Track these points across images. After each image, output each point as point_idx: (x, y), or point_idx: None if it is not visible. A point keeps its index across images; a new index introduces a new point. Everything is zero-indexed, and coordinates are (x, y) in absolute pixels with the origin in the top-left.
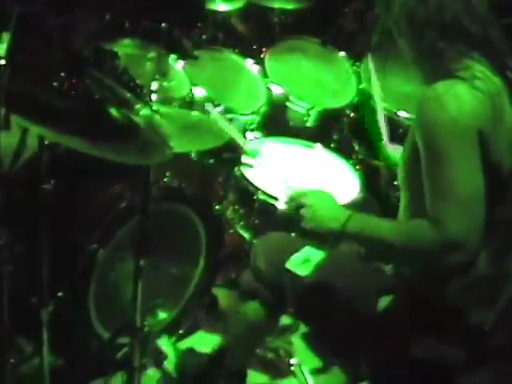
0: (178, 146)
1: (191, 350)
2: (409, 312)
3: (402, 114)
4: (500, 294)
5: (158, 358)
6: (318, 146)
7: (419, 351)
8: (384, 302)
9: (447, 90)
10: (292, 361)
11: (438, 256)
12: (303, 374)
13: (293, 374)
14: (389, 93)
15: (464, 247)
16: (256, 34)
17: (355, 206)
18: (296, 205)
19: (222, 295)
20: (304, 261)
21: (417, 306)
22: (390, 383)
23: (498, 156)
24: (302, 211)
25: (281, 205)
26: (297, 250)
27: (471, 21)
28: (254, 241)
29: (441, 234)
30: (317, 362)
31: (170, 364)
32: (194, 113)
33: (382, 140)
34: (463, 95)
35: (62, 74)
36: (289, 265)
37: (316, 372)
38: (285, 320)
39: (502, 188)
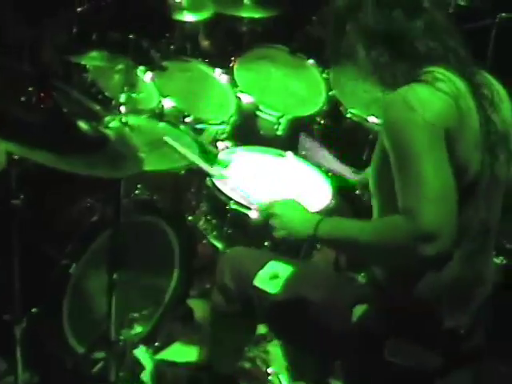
0: (146, 163)
1: (168, 363)
2: (384, 319)
3: (372, 119)
4: (474, 297)
5: (135, 371)
6: (290, 154)
7: (396, 357)
8: (359, 311)
9: (411, 91)
10: (269, 370)
11: (411, 248)
12: (280, 383)
13: (270, 383)
14: (358, 98)
15: (436, 238)
16: (222, 47)
17: (328, 213)
18: (266, 215)
19: (197, 306)
20: (272, 277)
21: (391, 312)
22: None
23: (464, 157)
24: (272, 221)
25: (253, 214)
26: (263, 266)
27: (430, 37)
28: (228, 250)
29: (413, 225)
30: (294, 371)
31: (147, 377)
32: (162, 125)
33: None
34: (427, 96)
35: (30, 88)
36: (256, 282)
37: (293, 380)
38: (261, 329)
39: (469, 189)
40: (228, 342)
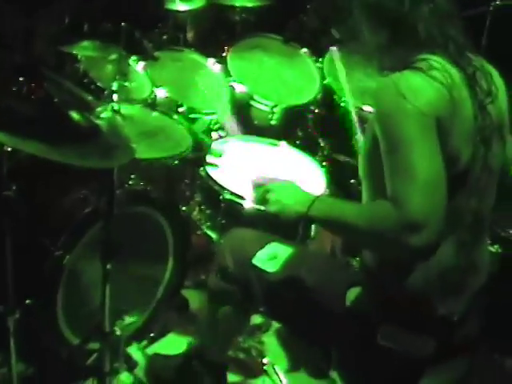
0: (137, 152)
1: (160, 354)
2: (376, 304)
3: (367, 108)
4: (467, 285)
5: (130, 362)
6: (283, 143)
7: (389, 342)
8: (352, 295)
9: (403, 79)
10: (264, 360)
11: (398, 236)
12: (276, 373)
13: (265, 373)
14: (353, 88)
15: (423, 227)
16: (213, 36)
17: None
18: (260, 191)
19: (193, 297)
20: (271, 257)
21: (384, 297)
22: (360, 375)
23: (455, 146)
24: (267, 195)
25: (247, 203)
26: (263, 246)
27: (432, 23)
28: (221, 240)
29: (401, 213)
30: (289, 361)
31: (140, 372)
32: (155, 115)
33: (355, 135)
34: (419, 84)
35: (21, 79)
36: (256, 261)
37: (288, 370)
38: (256, 319)
39: (461, 178)
40: (222, 329)
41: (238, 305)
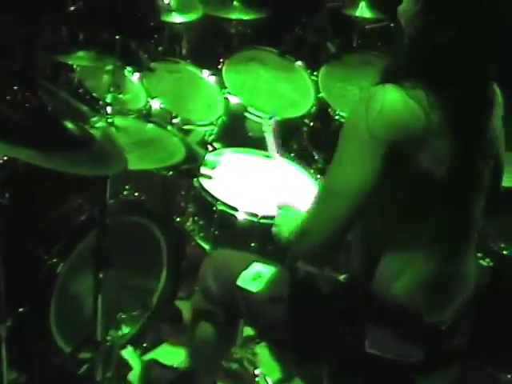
0: (132, 163)
1: (157, 364)
2: (364, 313)
3: None
4: (454, 295)
5: (122, 371)
6: (277, 155)
7: (377, 350)
8: (340, 305)
9: (380, 94)
10: (256, 371)
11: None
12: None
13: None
14: (348, 101)
15: (305, 235)
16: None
17: None
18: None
19: (186, 308)
20: (255, 277)
21: (371, 307)
22: None
23: (427, 166)
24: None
25: (240, 215)
26: (246, 267)
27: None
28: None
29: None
30: (281, 372)
31: (134, 377)
32: (150, 126)
33: None
34: (392, 104)
35: (16, 87)
36: (240, 282)
37: (280, 382)
38: (248, 331)
39: (438, 192)
40: (207, 349)
41: (220, 326)
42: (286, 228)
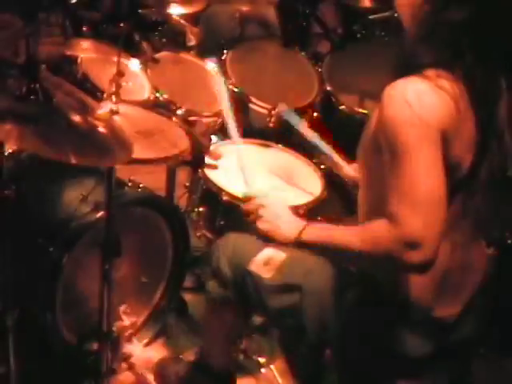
0: (136, 153)
1: (167, 357)
2: (374, 305)
3: (366, 112)
4: (464, 287)
5: (129, 362)
6: (281, 146)
7: (385, 343)
8: (350, 296)
9: (411, 87)
10: (261, 360)
11: (396, 254)
12: (273, 374)
13: (262, 373)
14: (352, 91)
15: (421, 245)
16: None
17: (318, 205)
18: (255, 204)
19: (192, 299)
20: (266, 262)
21: (381, 298)
22: (358, 377)
23: (458, 155)
24: (260, 211)
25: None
26: (258, 252)
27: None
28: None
29: (398, 231)
30: (286, 362)
31: (141, 369)
32: (154, 117)
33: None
34: (426, 94)
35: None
36: (251, 267)
37: (285, 371)
38: (255, 321)
39: (461, 184)
40: (221, 334)
41: (235, 309)
42: (282, 227)
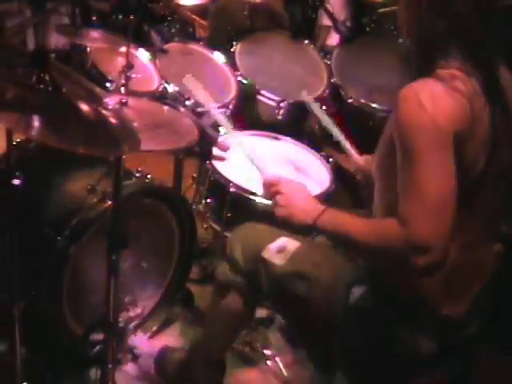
0: (144, 144)
1: (167, 346)
2: (380, 302)
3: (374, 105)
4: (473, 284)
5: (134, 353)
6: (289, 139)
7: (391, 341)
8: (356, 292)
9: (426, 89)
10: (267, 352)
11: (404, 255)
12: (278, 366)
13: (268, 365)
14: (361, 85)
15: (428, 251)
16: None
17: (327, 198)
18: (271, 191)
19: (198, 290)
20: (280, 250)
21: (388, 296)
22: (363, 372)
23: (472, 156)
24: (277, 198)
25: (253, 197)
26: (273, 239)
27: (474, 21)
28: (229, 233)
29: (408, 233)
30: (291, 354)
31: (146, 359)
32: (163, 108)
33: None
34: (441, 96)
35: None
36: (265, 254)
37: (290, 364)
38: (260, 313)
39: (474, 183)
40: (225, 321)
41: (244, 297)
42: (300, 211)
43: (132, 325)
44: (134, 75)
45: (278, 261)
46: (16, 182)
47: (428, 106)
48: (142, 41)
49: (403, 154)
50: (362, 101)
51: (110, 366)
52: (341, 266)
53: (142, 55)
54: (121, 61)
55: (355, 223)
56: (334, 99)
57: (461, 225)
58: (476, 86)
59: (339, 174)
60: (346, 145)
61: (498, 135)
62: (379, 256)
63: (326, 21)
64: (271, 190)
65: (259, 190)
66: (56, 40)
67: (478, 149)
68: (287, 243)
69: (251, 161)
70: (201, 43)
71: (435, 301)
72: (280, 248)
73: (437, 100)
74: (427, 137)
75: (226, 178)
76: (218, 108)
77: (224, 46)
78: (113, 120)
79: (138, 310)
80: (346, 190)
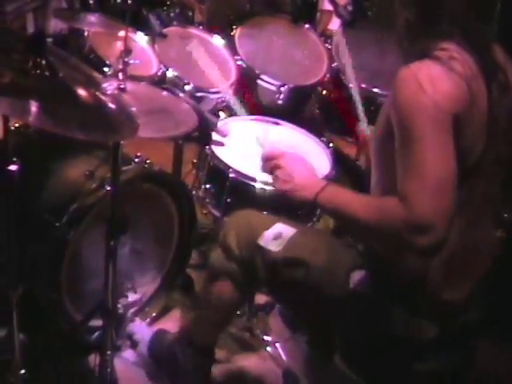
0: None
1: (161, 330)
2: (380, 286)
3: (376, 90)
4: (472, 270)
5: (133, 339)
6: (290, 124)
7: (391, 326)
8: (356, 277)
9: (424, 70)
10: (266, 338)
11: (404, 235)
12: (278, 352)
13: (268, 352)
14: (362, 69)
15: (431, 229)
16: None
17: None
18: (272, 165)
19: (198, 276)
20: (276, 237)
21: (387, 280)
22: (362, 358)
23: (471, 138)
24: (278, 172)
25: (252, 183)
26: (268, 226)
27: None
28: (225, 219)
29: (408, 213)
30: (291, 340)
31: (145, 346)
32: (162, 93)
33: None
34: (439, 77)
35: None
36: (260, 241)
37: (290, 350)
38: (260, 299)
39: (473, 166)
40: (213, 311)
41: (236, 284)
42: (301, 187)
43: (131, 311)
44: (132, 60)
45: (274, 248)
46: (14, 167)
47: (427, 88)
48: (141, 25)
49: (403, 135)
50: (363, 86)
51: (108, 352)
52: (339, 252)
53: (141, 39)
54: (119, 45)
55: (356, 200)
56: (335, 84)
57: (460, 209)
58: (474, 67)
59: (340, 159)
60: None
61: (497, 117)
62: (379, 234)
63: (326, 5)
64: (271, 163)
65: (259, 175)
66: (54, 24)
67: (476, 132)
68: (283, 230)
69: (250, 148)
70: (200, 27)
71: (435, 286)
72: (276, 235)
73: (435, 81)
74: (427, 118)
75: (225, 164)
76: (218, 93)
77: (223, 30)
78: (111, 105)
79: (137, 296)
80: (347, 175)
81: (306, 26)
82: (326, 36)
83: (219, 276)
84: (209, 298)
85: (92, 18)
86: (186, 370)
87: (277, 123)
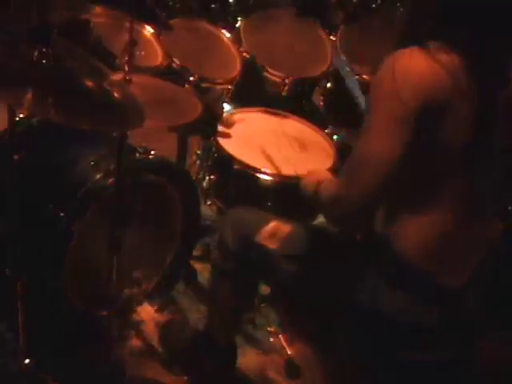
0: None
1: (173, 323)
2: (378, 274)
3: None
4: (468, 258)
5: (139, 329)
6: (293, 116)
7: (391, 311)
8: (350, 261)
9: (403, 59)
10: (270, 329)
11: (325, 204)
12: (281, 344)
13: (271, 343)
14: (366, 62)
15: (340, 199)
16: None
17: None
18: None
19: (202, 267)
20: (273, 233)
21: (385, 266)
22: (364, 343)
23: (450, 130)
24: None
25: (257, 174)
26: (265, 224)
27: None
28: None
29: (334, 185)
30: (294, 332)
31: (149, 336)
32: (167, 84)
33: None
34: (416, 67)
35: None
36: (258, 238)
37: (293, 341)
38: (263, 291)
39: (458, 157)
40: (226, 307)
41: (238, 283)
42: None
43: (135, 301)
44: (137, 52)
45: (271, 245)
46: (19, 157)
47: (398, 77)
48: (147, 17)
49: (365, 115)
50: (368, 78)
51: (113, 342)
52: (336, 246)
53: (146, 31)
54: (124, 36)
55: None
56: (339, 77)
57: (455, 198)
58: (467, 63)
59: (344, 151)
60: None
61: (486, 119)
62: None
63: None
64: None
65: (263, 166)
66: (59, 15)
67: (458, 125)
68: (280, 227)
69: (255, 139)
70: (205, 19)
71: (433, 271)
72: (273, 232)
73: (410, 73)
74: (387, 105)
75: (230, 155)
76: (223, 84)
77: (229, 22)
78: (117, 96)
79: (142, 287)
80: None
81: (311, 18)
82: (331, 28)
83: (219, 276)
84: (216, 297)
85: (97, 8)
86: (212, 369)
87: (281, 115)
